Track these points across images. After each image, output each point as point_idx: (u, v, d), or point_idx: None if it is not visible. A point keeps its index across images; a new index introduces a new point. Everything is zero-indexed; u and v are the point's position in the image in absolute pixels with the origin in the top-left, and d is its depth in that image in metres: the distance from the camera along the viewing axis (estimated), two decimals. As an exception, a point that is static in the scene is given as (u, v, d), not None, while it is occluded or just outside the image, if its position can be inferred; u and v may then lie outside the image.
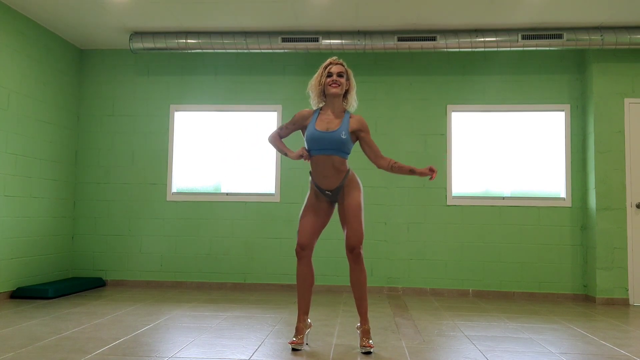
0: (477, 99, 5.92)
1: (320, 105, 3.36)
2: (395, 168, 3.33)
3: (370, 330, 3.32)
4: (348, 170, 3.30)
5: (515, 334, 3.81)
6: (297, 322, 3.31)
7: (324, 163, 3.24)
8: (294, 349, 3.23)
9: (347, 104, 3.35)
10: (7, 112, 5.03)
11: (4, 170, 5.00)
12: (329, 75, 3.27)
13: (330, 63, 3.31)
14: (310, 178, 3.36)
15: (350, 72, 3.35)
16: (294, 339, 3.25)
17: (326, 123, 3.26)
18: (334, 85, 3.25)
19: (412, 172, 3.33)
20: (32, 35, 5.39)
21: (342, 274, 5.81)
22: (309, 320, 3.37)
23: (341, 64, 3.31)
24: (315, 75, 3.34)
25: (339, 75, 3.27)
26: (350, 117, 3.30)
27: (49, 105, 5.67)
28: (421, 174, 3.30)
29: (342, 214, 3.29)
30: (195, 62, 6.18)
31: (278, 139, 3.41)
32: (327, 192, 3.29)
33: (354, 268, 3.24)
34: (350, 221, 3.22)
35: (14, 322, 3.88)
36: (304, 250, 3.26)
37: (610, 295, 5.37)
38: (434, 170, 3.28)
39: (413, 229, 5.84)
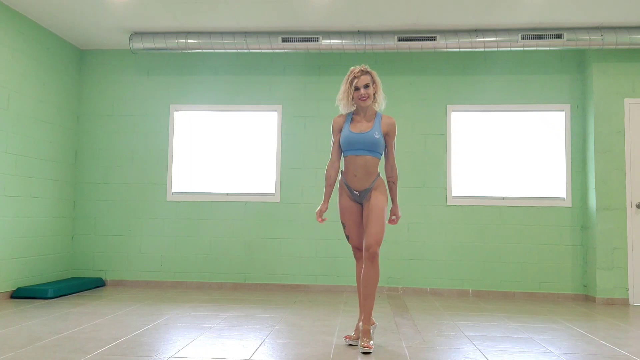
0: (477, 99, 5.92)
1: (352, 109, 3.47)
2: (389, 184, 3.51)
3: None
4: (378, 174, 3.40)
5: (515, 334, 3.81)
6: (364, 324, 3.27)
7: (355, 162, 3.36)
8: (365, 353, 3.16)
9: (377, 104, 3.46)
10: (7, 112, 5.04)
11: (4, 170, 5.00)
12: (356, 88, 3.36)
13: (355, 77, 3.36)
14: (340, 178, 3.49)
15: (374, 73, 3.42)
16: (370, 342, 3.20)
17: (359, 125, 3.40)
18: (362, 99, 3.36)
19: (392, 201, 3.55)
20: (32, 35, 5.39)
21: (342, 274, 5.81)
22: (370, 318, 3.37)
23: (365, 72, 3.36)
24: (342, 89, 3.42)
25: (366, 86, 3.35)
26: (382, 118, 3.42)
27: (49, 105, 5.67)
28: (391, 212, 3.55)
29: (364, 215, 3.38)
30: (195, 62, 6.18)
31: (333, 177, 3.49)
32: (355, 192, 3.38)
33: (367, 266, 3.28)
34: (371, 221, 3.29)
35: (14, 322, 3.89)
36: (360, 251, 3.46)
37: (610, 295, 5.37)
38: (395, 219, 3.55)
39: (413, 229, 5.84)
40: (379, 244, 3.27)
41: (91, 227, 6.10)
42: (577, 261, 5.66)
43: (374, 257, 3.26)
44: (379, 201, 3.32)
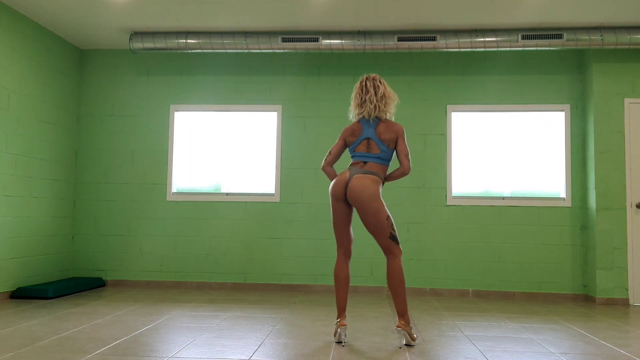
0: (477, 99, 5.92)
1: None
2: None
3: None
4: None
5: (515, 334, 3.81)
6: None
7: None
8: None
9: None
10: (7, 112, 5.04)
11: (4, 170, 5.00)
12: None
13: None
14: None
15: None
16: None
17: None
18: None
19: None
20: (32, 35, 5.39)
21: (342, 274, 5.82)
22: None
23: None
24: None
25: None
26: None
27: (49, 105, 5.67)
28: None
29: None
30: (195, 62, 6.18)
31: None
32: None
33: None
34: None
35: (14, 322, 3.89)
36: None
37: (610, 295, 5.37)
38: None
39: (413, 229, 5.84)
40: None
41: (91, 227, 6.10)
42: (577, 261, 5.67)
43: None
44: None
